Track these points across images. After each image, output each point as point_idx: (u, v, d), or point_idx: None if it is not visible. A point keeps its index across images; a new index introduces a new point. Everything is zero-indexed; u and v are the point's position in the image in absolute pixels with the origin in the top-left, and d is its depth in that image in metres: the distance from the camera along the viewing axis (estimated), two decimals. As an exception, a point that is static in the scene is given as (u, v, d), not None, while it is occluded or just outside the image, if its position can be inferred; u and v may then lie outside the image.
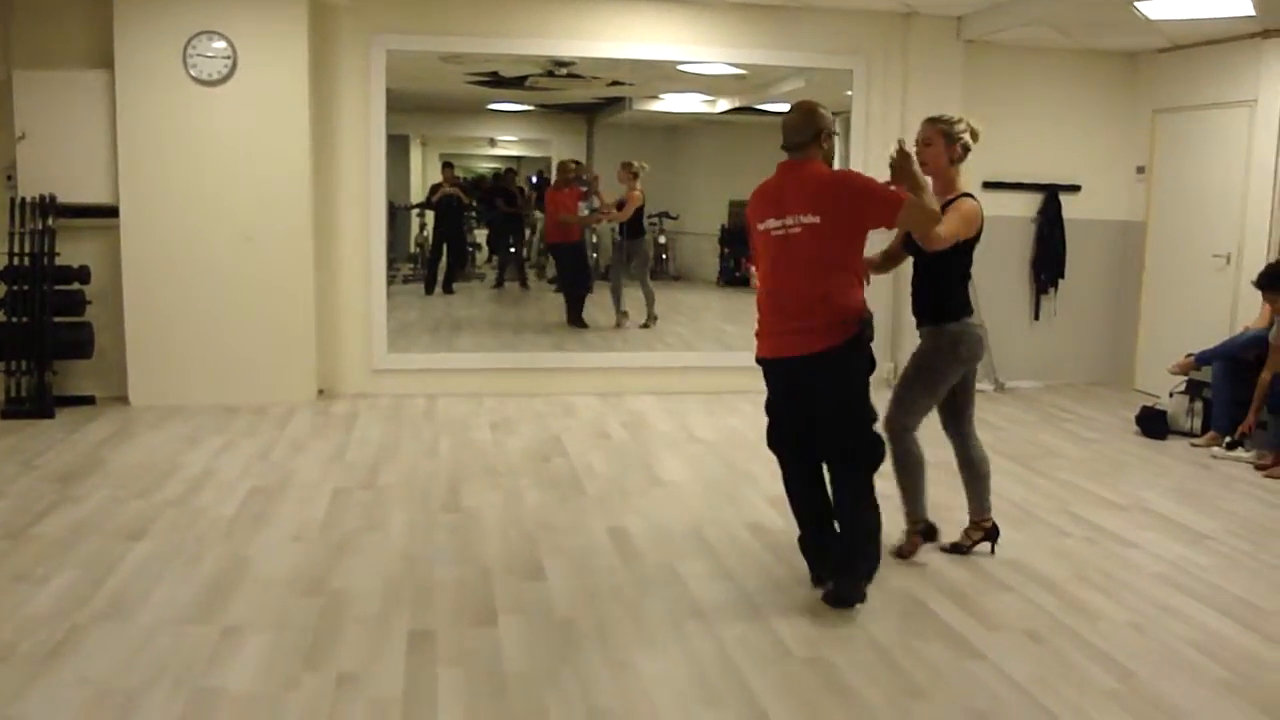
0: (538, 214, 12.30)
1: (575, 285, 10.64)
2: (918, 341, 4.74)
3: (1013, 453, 6.89)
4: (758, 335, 4.36)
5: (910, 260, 4.72)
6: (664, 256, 13.52)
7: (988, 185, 9.03)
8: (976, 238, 4.73)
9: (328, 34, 7.79)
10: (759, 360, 4.38)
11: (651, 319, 10.05)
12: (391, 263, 8.78)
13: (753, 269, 4.49)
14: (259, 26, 7.45)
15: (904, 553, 4.77)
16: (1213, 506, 5.82)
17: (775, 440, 4.44)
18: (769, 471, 5.47)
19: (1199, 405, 7.38)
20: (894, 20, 8.52)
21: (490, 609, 4.14)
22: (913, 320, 4.71)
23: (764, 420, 4.52)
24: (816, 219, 4.11)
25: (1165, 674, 3.71)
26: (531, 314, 10.56)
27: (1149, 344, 9.10)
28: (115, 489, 5.56)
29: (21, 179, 7.34)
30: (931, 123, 4.69)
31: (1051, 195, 9.19)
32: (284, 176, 7.59)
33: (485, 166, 13.83)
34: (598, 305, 10.49)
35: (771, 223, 4.18)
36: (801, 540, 4.45)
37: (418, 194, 12.98)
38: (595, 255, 12.37)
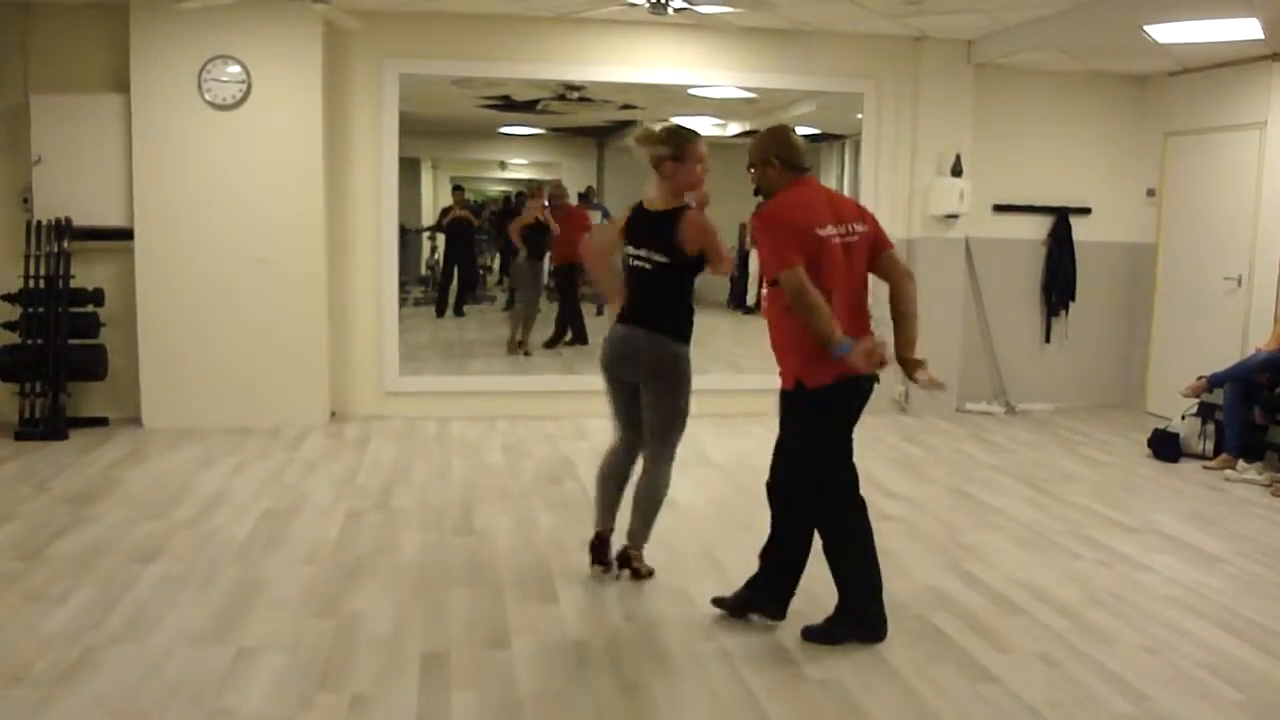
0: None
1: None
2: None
3: (1024, 475, 6.88)
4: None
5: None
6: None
7: (998, 208, 9.08)
8: None
9: (341, 58, 7.85)
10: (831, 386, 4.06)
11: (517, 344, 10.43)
12: (403, 285, 8.82)
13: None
14: (273, 51, 7.52)
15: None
16: (1225, 529, 5.80)
17: (849, 467, 4.24)
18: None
19: (1211, 428, 7.36)
20: (904, 44, 8.56)
21: (503, 631, 4.14)
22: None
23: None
24: (865, 228, 4.17)
25: (1179, 697, 3.70)
26: (543, 336, 10.58)
27: (1160, 366, 9.09)
28: (129, 510, 5.58)
29: (37, 202, 7.39)
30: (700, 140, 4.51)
31: (1062, 218, 9.20)
32: (297, 199, 7.64)
33: (496, 190, 13.88)
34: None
35: (832, 229, 4.06)
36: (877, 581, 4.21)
37: (429, 217, 13.04)
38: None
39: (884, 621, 4.14)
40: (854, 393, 4.13)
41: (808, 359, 4.03)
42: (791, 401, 4.14)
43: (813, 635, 4.13)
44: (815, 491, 4.18)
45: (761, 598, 4.31)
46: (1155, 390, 9.10)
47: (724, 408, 8.05)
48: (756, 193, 4.28)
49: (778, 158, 4.16)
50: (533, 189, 11.70)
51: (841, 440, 4.22)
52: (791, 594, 4.29)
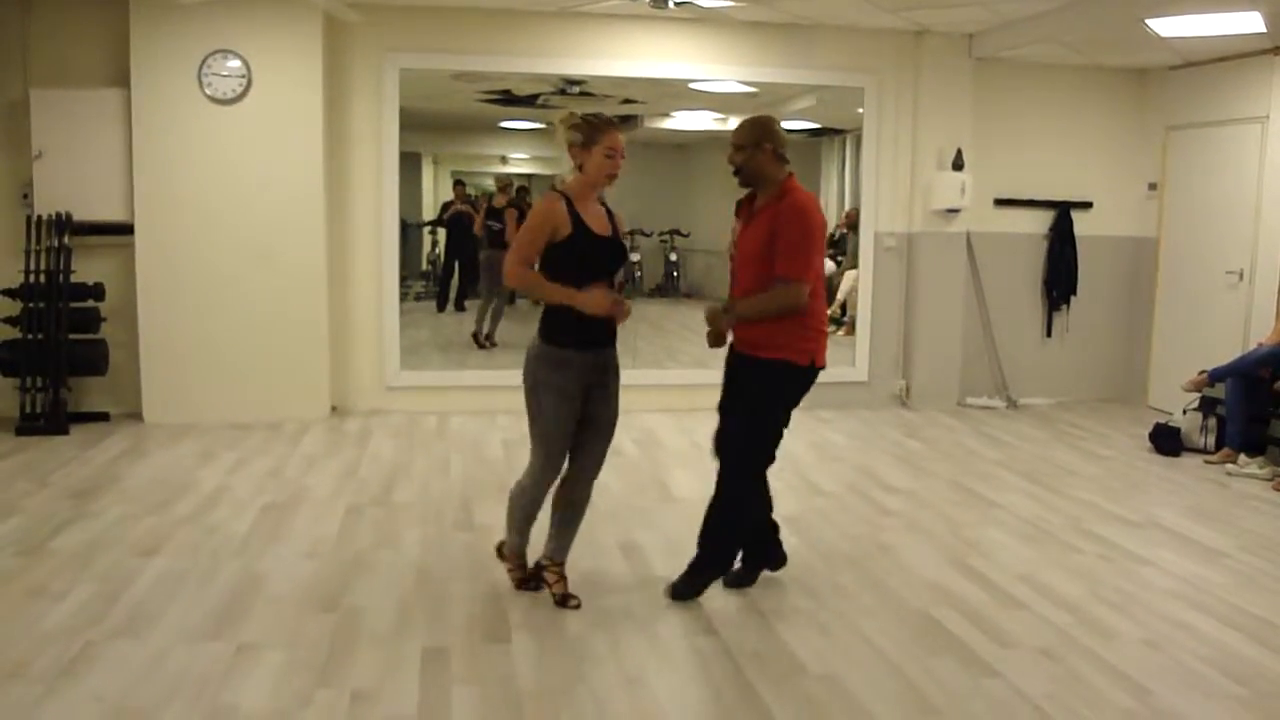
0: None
1: None
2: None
3: (1025, 470, 6.87)
4: (815, 340, 4.31)
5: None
6: (675, 274, 13.55)
7: (999, 202, 9.07)
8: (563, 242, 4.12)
9: (341, 53, 7.84)
10: (820, 368, 4.35)
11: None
12: (404, 280, 8.81)
13: None
14: (274, 45, 7.51)
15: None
16: (1227, 524, 5.79)
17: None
18: (779, 489, 5.47)
19: (1212, 422, 7.35)
20: (905, 38, 8.54)
21: (504, 626, 4.14)
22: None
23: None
24: None
25: (1181, 692, 3.70)
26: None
27: (1162, 360, 9.08)
28: (129, 505, 5.58)
29: (38, 197, 7.38)
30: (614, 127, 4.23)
31: (1063, 212, 9.19)
32: (298, 194, 7.63)
33: (495, 185, 13.86)
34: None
35: None
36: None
37: (430, 211, 13.04)
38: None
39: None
40: (814, 376, 4.35)
41: (799, 340, 4.24)
42: (770, 373, 4.28)
43: (680, 593, 4.44)
44: (750, 455, 4.39)
45: (757, 560, 4.63)
46: (1157, 384, 9.09)
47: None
48: (736, 173, 4.37)
49: (770, 145, 4.28)
50: (500, 184, 11.78)
51: (784, 417, 4.43)
52: (777, 540, 4.67)
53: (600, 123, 4.17)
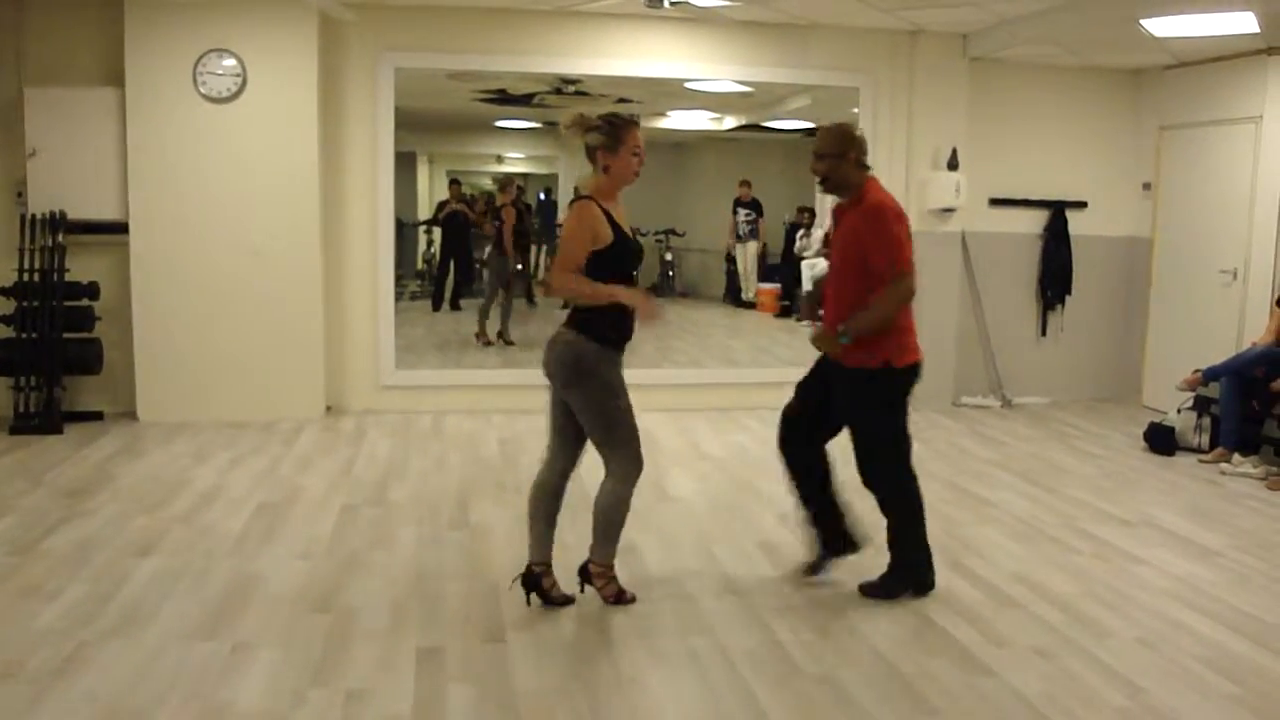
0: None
1: None
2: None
3: (1020, 469, 6.88)
4: (913, 338, 4.52)
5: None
6: (670, 273, 13.56)
7: (994, 202, 9.07)
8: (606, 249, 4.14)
9: (337, 52, 7.84)
10: (918, 364, 4.49)
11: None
12: (399, 279, 8.81)
13: None
14: (269, 44, 7.50)
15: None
16: (1221, 522, 5.80)
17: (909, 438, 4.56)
18: (778, 488, 5.46)
19: (1207, 421, 7.36)
20: (900, 38, 8.55)
21: (499, 625, 4.14)
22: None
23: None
24: None
25: (1175, 690, 3.70)
26: (539, 330, 10.57)
27: (1156, 360, 9.09)
28: (124, 505, 5.58)
29: (32, 195, 7.37)
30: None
31: (1058, 211, 9.19)
32: (293, 193, 7.62)
33: (492, 184, 13.91)
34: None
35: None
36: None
37: (425, 210, 13.05)
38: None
39: (932, 569, 4.55)
40: (919, 370, 4.51)
41: (897, 341, 4.38)
42: (874, 380, 4.40)
43: (871, 591, 4.49)
44: (896, 463, 4.53)
45: (837, 546, 4.68)
46: (1151, 384, 9.10)
47: (720, 401, 8.04)
48: (822, 182, 4.44)
49: (854, 154, 4.37)
50: (501, 183, 11.83)
51: (906, 413, 4.53)
52: (849, 528, 4.69)
53: (622, 123, 4.17)
